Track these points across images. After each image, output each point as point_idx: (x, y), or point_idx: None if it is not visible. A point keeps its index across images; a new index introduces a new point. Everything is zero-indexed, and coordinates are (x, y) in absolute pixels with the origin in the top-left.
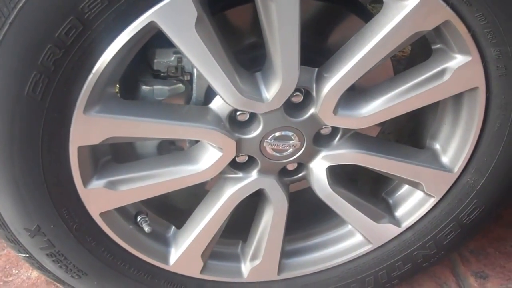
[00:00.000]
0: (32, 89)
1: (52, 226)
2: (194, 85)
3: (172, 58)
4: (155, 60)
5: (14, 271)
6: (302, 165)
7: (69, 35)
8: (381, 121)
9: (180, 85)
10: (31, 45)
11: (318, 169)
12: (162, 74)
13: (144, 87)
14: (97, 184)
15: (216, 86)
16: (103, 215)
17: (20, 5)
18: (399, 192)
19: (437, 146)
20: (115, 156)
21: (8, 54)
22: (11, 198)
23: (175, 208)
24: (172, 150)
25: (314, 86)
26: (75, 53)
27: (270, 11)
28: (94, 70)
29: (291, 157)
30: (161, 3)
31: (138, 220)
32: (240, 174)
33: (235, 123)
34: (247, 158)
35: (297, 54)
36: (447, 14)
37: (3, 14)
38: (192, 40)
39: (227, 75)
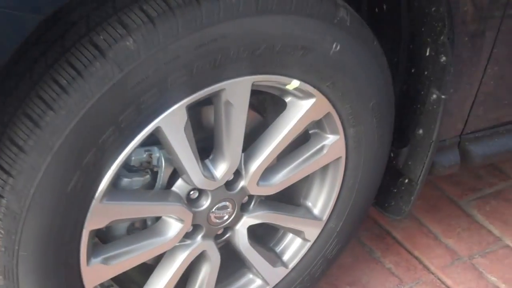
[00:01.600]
0: (74, 186)
1: None
2: (162, 174)
3: (145, 155)
4: (133, 158)
5: None
6: (228, 227)
7: (108, 140)
8: (284, 187)
9: (148, 176)
10: (80, 150)
11: (242, 229)
12: (134, 168)
13: (125, 179)
14: (95, 261)
15: (189, 171)
16: None
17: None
18: (285, 242)
19: (309, 203)
20: (100, 237)
21: (62, 158)
22: (36, 279)
23: (129, 277)
24: (135, 230)
25: (243, 166)
26: (108, 155)
27: (231, 113)
28: (113, 166)
29: (226, 222)
30: (166, 111)
31: None
32: (188, 241)
33: (190, 200)
34: (192, 227)
35: (242, 143)
36: (330, 108)
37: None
38: (180, 139)
39: (197, 162)
